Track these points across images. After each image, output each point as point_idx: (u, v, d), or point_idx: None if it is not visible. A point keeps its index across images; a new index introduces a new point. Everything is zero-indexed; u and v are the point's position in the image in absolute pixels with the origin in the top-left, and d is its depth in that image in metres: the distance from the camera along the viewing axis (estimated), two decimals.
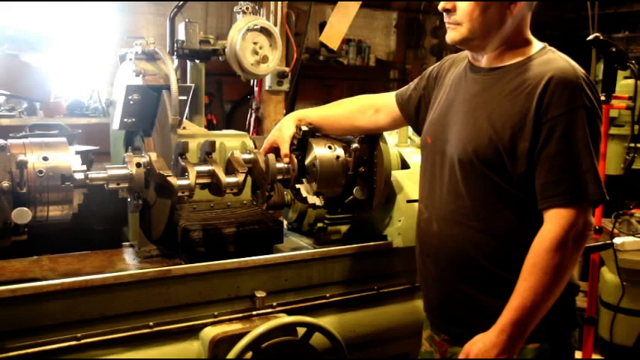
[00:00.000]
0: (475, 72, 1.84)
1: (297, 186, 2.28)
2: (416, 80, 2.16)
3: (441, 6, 1.75)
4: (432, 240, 1.89)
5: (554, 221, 1.62)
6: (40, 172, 1.84)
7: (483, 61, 1.82)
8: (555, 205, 1.62)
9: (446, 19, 1.77)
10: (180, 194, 1.97)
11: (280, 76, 3.73)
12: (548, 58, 1.71)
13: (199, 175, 2.03)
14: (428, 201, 1.93)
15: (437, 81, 2.03)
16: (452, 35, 1.77)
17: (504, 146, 1.68)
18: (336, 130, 2.32)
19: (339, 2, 3.63)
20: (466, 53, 1.91)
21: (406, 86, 2.20)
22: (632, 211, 4.09)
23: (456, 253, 1.81)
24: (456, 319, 1.86)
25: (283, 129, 2.26)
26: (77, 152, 2.03)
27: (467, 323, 1.81)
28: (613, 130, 4.86)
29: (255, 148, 2.38)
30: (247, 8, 2.74)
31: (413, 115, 2.14)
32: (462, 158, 1.76)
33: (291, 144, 2.27)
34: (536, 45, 1.78)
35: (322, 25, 7.05)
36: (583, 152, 1.61)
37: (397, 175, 2.46)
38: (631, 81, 3.70)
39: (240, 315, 2.16)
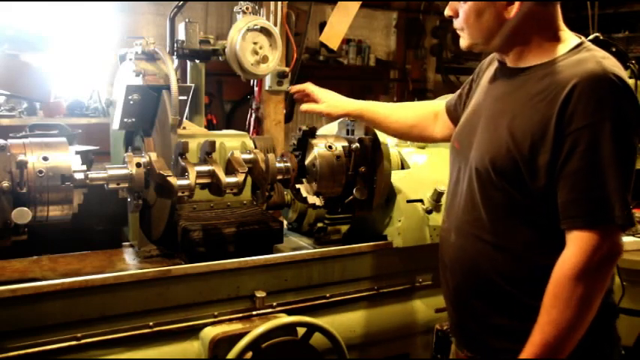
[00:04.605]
0: (502, 73, 1.72)
1: (297, 186, 2.28)
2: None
3: (446, 12, 1.70)
4: (449, 251, 1.80)
5: (576, 245, 1.47)
6: (40, 172, 1.84)
7: (507, 61, 1.70)
8: (577, 226, 1.48)
9: (454, 25, 1.70)
10: (180, 194, 1.97)
11: (280, 76, 3.71)
12: (578, 59, 1.53)
13: (199, 175, 2.03)
14: (449, 210, 1.82)
15: (475, 82, 1.92)
16: (460, 42, 1.70)
17: (523, 157, 1.54)
18: (395, 129, 2.23)
19: (339, 2, 3.62)
20: None
21: (454, 93, 2.09)
22: (632, 211, 4.08)
23: (469, 267, 1.71)
24: (469, 335, 1.78)
25: (342, 101, 2.24)
26: (77, 152, 2.02)
27: (478, 339, 1.73)
28: None
29: (256, 148, 2.38)
30: (247, 8, 2.73)
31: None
32: (479, 167, 1.64)
33: (292, 144, 2.25)
34: (570, 42, 1.60)
35: (322, 25, 7.05)
36: (609, 170, 1.44)
37: (397, 175, 2.46)
38: (631, 81, 3.69)
39: (240, 315, 2.16)
